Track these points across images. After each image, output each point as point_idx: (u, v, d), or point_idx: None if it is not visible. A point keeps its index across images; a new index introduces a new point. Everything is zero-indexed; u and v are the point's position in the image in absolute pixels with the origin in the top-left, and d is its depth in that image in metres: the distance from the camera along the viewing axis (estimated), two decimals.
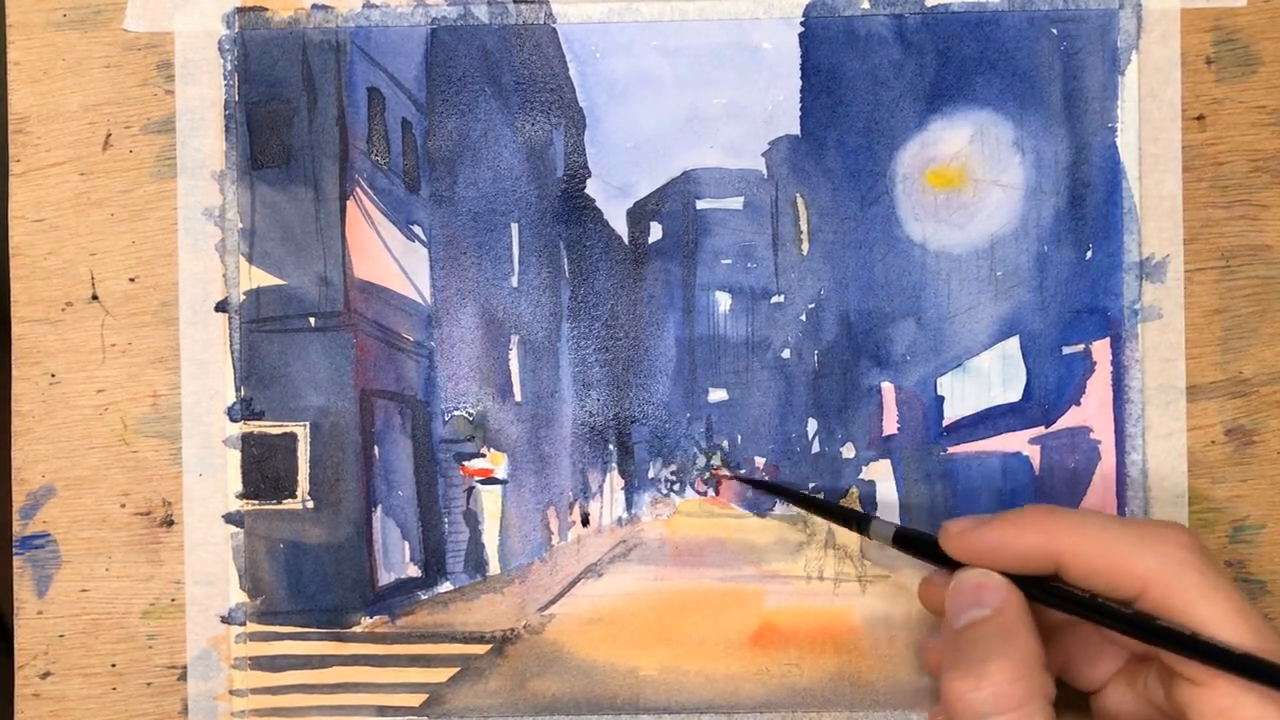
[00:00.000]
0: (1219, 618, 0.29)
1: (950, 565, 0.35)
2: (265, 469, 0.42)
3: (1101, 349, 0.42)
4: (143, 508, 0.43)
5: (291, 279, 0.43)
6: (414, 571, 0.43)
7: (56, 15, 0.43)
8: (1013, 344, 0.42)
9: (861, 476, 0.43)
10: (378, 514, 0.43)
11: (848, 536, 0.42)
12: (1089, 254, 0.42)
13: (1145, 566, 0.30)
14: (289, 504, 0.43)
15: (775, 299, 0.43)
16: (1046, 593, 0.32)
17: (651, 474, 0.43)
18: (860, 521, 0.38)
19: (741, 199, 0.43)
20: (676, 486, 0.43)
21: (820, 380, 0.43)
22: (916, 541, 0.37)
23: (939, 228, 0.43)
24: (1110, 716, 0.35)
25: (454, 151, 0.43)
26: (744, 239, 0.43)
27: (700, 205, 0.43)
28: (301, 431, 0.42)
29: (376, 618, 0.43)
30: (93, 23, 0.43)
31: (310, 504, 0.43)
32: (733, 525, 0.43)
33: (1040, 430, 0.42)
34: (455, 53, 0.43)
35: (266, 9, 0.43)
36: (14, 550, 0.42)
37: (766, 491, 0.39)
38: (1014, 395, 0.42)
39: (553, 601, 0.43)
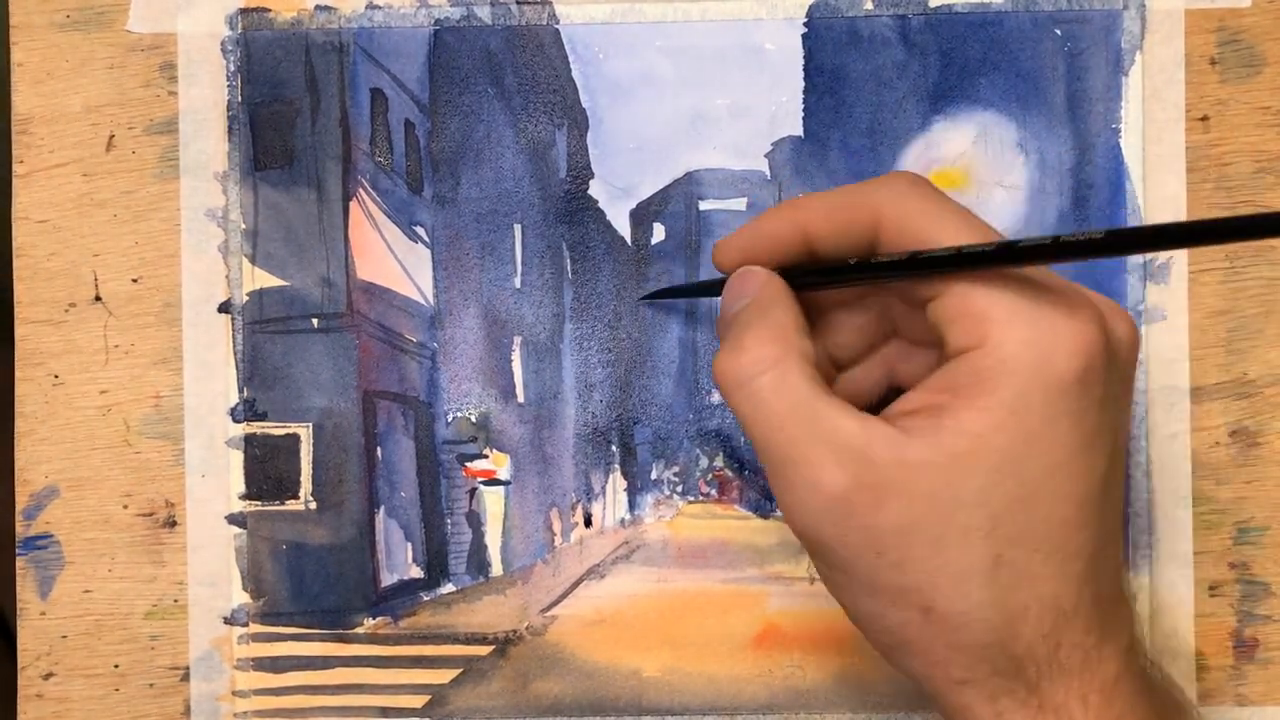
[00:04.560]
0: (947, 230, 0.30)
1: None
2: (268, 470, 0.42)
3: None
4: (145, 509, 0.43)
5: (294, 280, 0.43)
6: (416, 573, 0.43)
7: (59, 16, 0.43)
8: None
9: None
10: (380, 515, 0.43)
11: None
12: None
13: (872, 203, 0.31)
14: (291, 505, 0.43)
15: None
16: (799, 275, 0.33)
17: (654, 475, 0.43)
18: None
19: (745, 200, 0.43)
20: (679, 488, 0.43)
21: None
22: (689, 290, 0.40)
23: None
24: (860, 393, 0.35)
25: (457, 152, 0.43)
26: None
27: (703, 206, 0.43)
28: (304, 432, 0.42)
29: (379, 619, 0.42)
30: (96, 24, 0.43)
31: (313, 505, 0.43)
32: (736, 527, 0.43)
33: None
34: (458, 54, 0.43)
35: (269, 10, 0.43)
36: (17, 551, 0.42)
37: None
38: None
39: (555, 603, 0.43)
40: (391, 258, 0.43)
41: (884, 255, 0.31)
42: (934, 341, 0.31)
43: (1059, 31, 0.42)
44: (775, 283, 0.33)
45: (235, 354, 0.42)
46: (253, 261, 0.43)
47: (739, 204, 0.43)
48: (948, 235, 0.30)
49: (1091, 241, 0.27)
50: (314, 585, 0.42)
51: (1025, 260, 0.28)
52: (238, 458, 0.42)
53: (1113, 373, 0.29)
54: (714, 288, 0.36)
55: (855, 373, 0.35)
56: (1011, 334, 0.28)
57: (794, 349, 0.31)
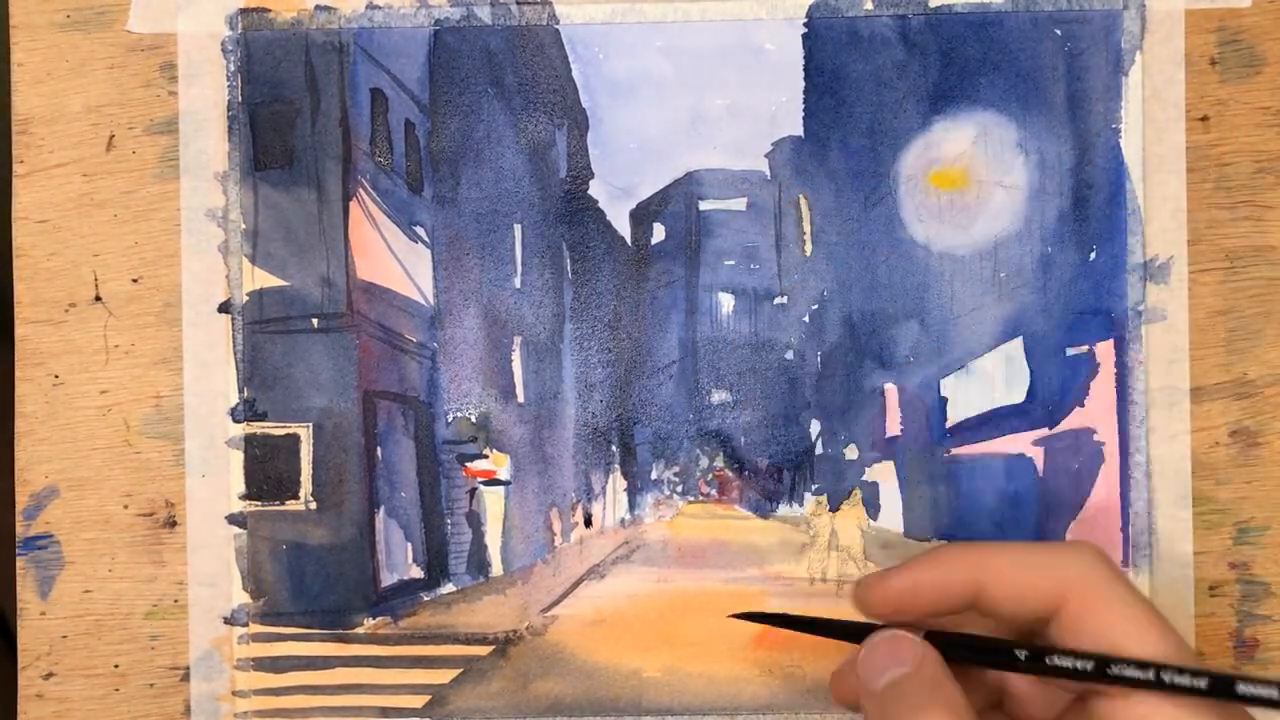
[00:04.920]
0: (1131, 626, 0.29)
1: (859, 640, 0.34)
2: (268, 470, 0.42)
3: (1105, 350, 0.42)
4: (145, 509, 0.43)
5: (294, 280, 0.43)
6: (416, 573, 0.43)
7: (60, 16, 0.43)
8: (1016, 345, 0.42)
9: (865, 478, 0.42)
10: (380, 515, 0.43)
11: (850, 538, 0.42)
12: (1093, 255, 0.42)
13: (1060, 578, 0.30)
14: (291, 505, 0.43)
15: (778, 300, 0.43)
16: (955, 646, 0.31)
17: (654, 475, 0.43)
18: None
19: (744, 200, 0.43)
20: (679, 488, 0.43)
21: (823, 381, 0.43)
22: (826, 625, 0.36)
23: (942, 229, 0.43)
24: None
25: (457, 152, 0.43)
26: (747, 240, 0.43)
27: (703, 206, 0.43)
28: (304, 432, 0.42)
29: (379, 619, 0.42)
30: (96, 24, 0.43)
31: (313, 505, 0.43)
32: (736, 527, 0.43)
33: (1044, 432, 0.42)
34: (458, 54, 0.43)
35: (269, 10, 0.43)
36: (17, 551, 0.42)
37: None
38: (1017, 397, 0.42)
39: (555, 603, 0.43)
40: (391, 258, 0.43)
41: (1062, 654, 0.30)
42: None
43: (1059, 31, 0.42)
44: (935, 655, 0.31)
45: (235, 354, 0.42)
46: (253, 261, 0.43)
47: (739, 204, 0.43)
48: (1136, 641, 0.29)
49: None
50: (314, 585, 0.42)
51: (1240, 701, 0.28)
52: (238, 458, 0.42)
53: None
54: (839, 630, 0.33)
55: None
56: None
57: None
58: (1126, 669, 0.29)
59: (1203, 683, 0.28)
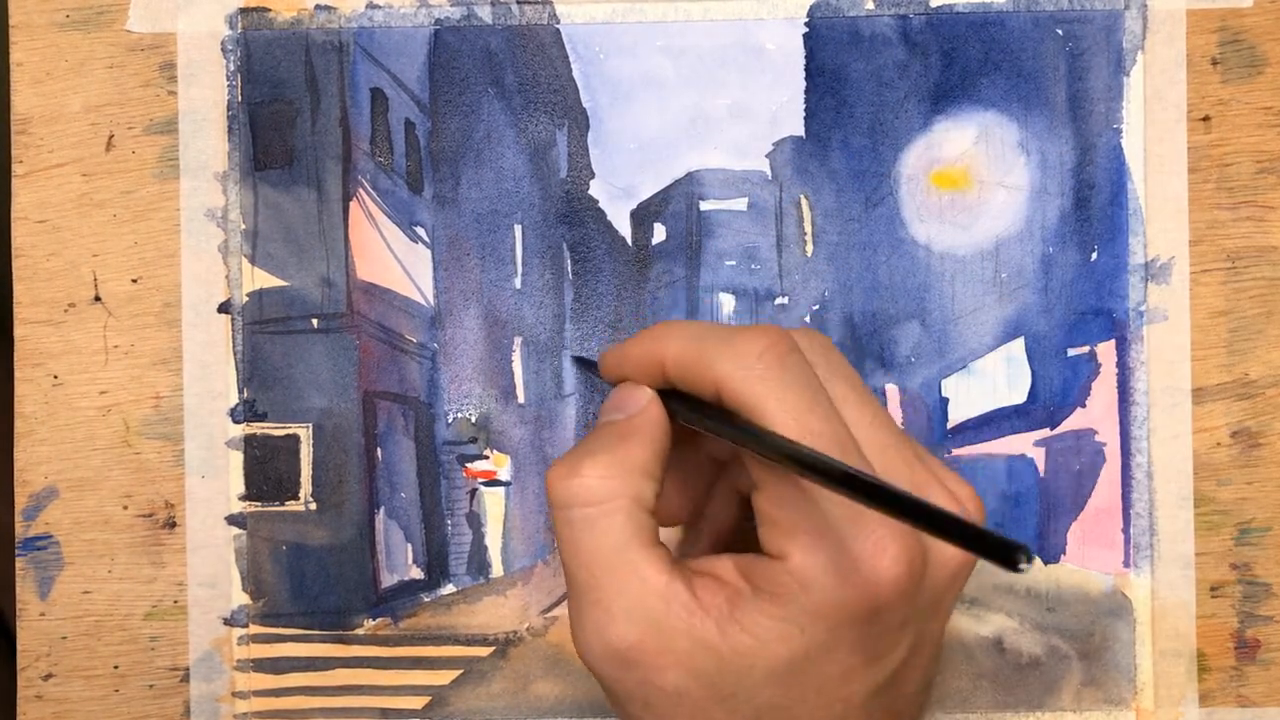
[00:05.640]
0: (774, 418, 0.29)
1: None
2: (268, 471, 0.42)
3: (1106, 351, 0.42)
4: (145, 509, 0.42)
5: (294, 280, 0.43)
6: (416, 574, 0.43)
7: (59, 16, 0.43)
8: (1017, 346, 0.42)
9: None
10: (380, 516, 0.43)
11: None
12: (1094, 256, 0.42)
13: (718, 369, 0.30)
14: (291, 506, 0.42)
15: (779, 300, 0.43)
16: (682, 405, 0.32)
17: None
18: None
19: (745, 200, 0.43)
20: None
21: None
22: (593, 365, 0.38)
23: (943, 229, 0.42)
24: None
25: (457, 152, 0.43)
26: (748, 240, 0.43)
27: (704, 206, 0.43)
28: (304, 433, 0.42)
29: (379, 620, 0.42)
30: (95, 23, 0.43)
31: (313, 506, 0.42)
32: None
33: (1045, 433, 0.42)
34: (459, 53, 0.43)
35: (269, 9, 0.42)
36: (16, 552, 0.42)
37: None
38: (1019, 397, 0.42)
39: (556, 604, 0.43)
40: (391, 258, 0.43)
41: (729, 418, 0.30)
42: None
43: (1060, 31, 0.42)
44: (650, 412, 0.32)
45: (235, 354, 0.42)
46: (253, 262, 0.42)
47: (740, 204, 0.43)
48: (779, 426, 0.29)
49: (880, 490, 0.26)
50: (314, 586, 0.42)
51: (840, 487, 0.26)
52: (237, 458, 0.42)
53: (922, 593, 0.30)
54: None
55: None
56: (809, 562, 0.29)
57: (630, 490, 0.30)
58: (772, 443, 0.28)
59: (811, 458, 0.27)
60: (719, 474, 0.35)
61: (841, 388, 0.31)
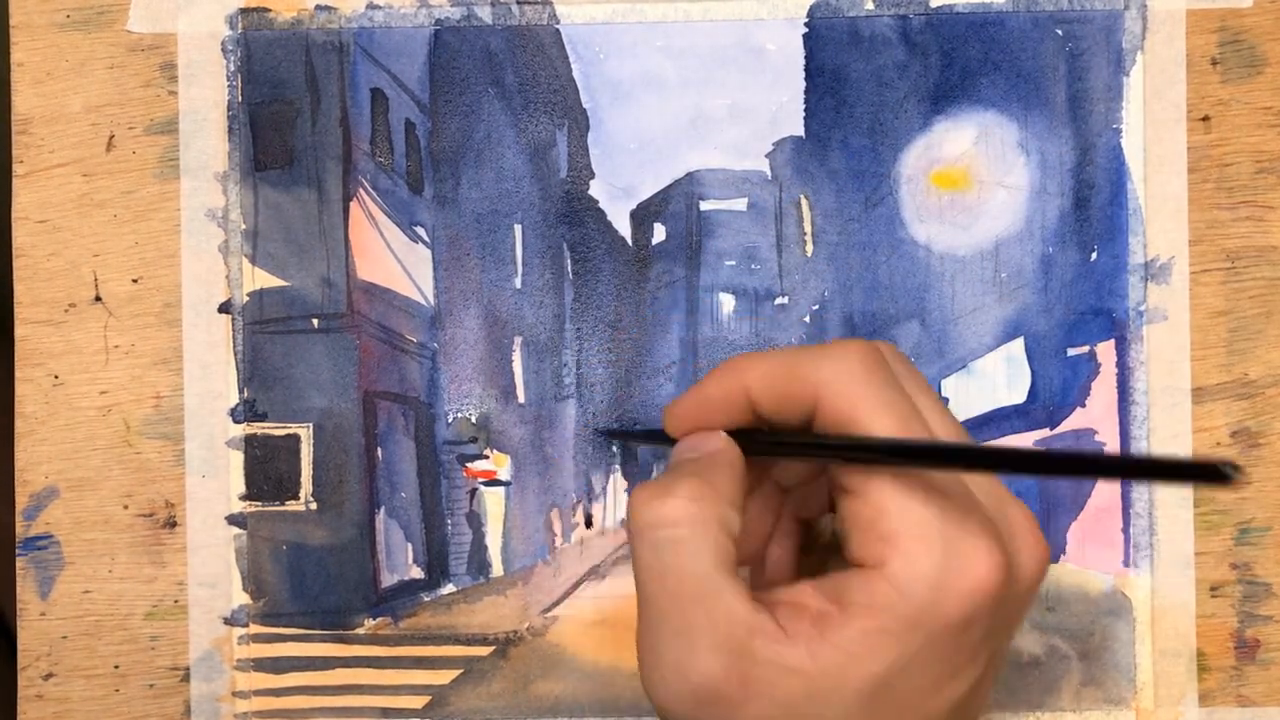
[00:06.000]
0: (874, 423, 0.29)
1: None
2: (268, 470, 0.42)
3: (1106, 351, 0.42)
4: (145, 509, 0.42)
5: (294, 280, 0.43)
6: (417, 573, 0.43)
7: (60, 16, 0.43)
8: (1017, 346, 0.42)
9: None
10: (380, 515, 0.43)
11: None
12: (1094, 256, 0.42)
13: (811, 381, 0.30)
14: (292, 505, 0.42)
15: (779, 300, 0.43)
16: (753, 442, 0.32)
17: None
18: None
19: (745, 200, 0.43)
20: None
21: None
22: (649, 437, 0.37)
23: (943, 229, 0.42)
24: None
25: (457, 152, 0.43)
26: (748, 240, 0.43)
27: (704, 206, 0.43)
28: (304, 433, 0.42)
29: (379, 619, 0.42)
30: (96, 24, 0.43)
31: (313, 505, 0.42)
32: None
33: (1045, 432, 0.42)
34: (459, 54, 0.43)
35: (269, 10, 0.43)
36: (17, 552, 0.42)
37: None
38: (1018, 397, 0.42)
39: (556, 603, 0.43)
40: (392, 258, 0.43)
41: (825, 436, 0.30)
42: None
43: (1060, 31, 0.42)
44: (731, 451, 0.32)
45: (235, 354, 0.42)
46: (253, 262, 0.43)
47: (740, 204, 0.43)
48: (881, 426, 0.29)
49: (1032, 456, 0.27)
50: (314, 586, 0.42)
51: (962, 465, 0.28)
52: (238, 458, 0.42)
53: (1006, 605, 0.29)
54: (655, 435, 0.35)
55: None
56: (910, 568, 0.28)
57: (719, 516, 0.30)
58: (865, 442, 0.29)
59: (925, 447, 0.28)
60: (783, 506, 0.35)
61: (924, 398, 0.31)
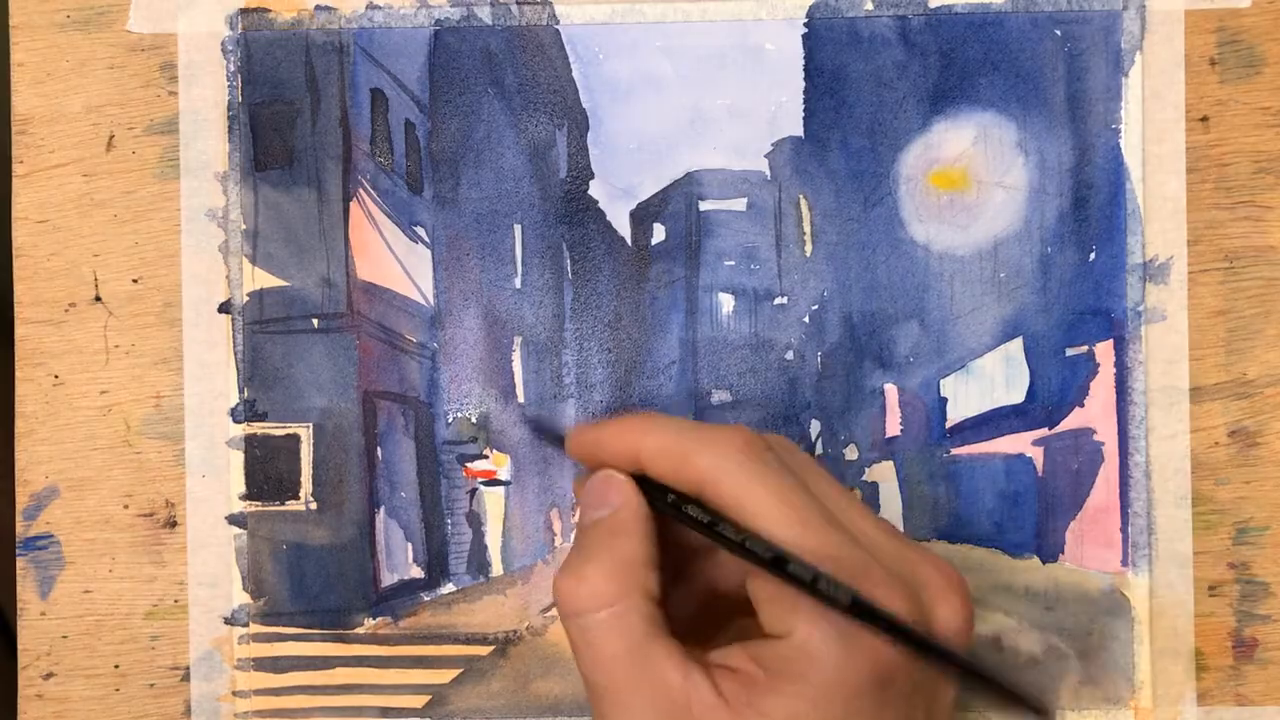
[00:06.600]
0: (759, 511, 0.30)
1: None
2: (268, 470, 0.42)
3: (1105, 351, 0.42)
4: (146, 509, 0.43)
5: (294, 280, 0.43)
6: (417, 573, 0.43)
7: (60, 16, 0.43)
8: (1016, 346, 0.42)
9: (864, 478, 0.43)
10: (380, 515, 0.43)
11: None
12: (1092, 256, 0.42)
13: (701, 464, 0.31)
14: (292, 505, 0.43)
15: (778, 300, 0.43)
16: (662, 494, 0.33)
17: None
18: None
19: (745, 200, 0.43)
20: None
21: (823, 382, 0.43)
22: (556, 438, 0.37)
23: (942, 229, 0.43)
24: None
25: (457, 153, 0.43)
26: (747, 240, 0.43)
27: (703, 206, 0.43)
28: (304, 433, 0.43)
29: (379, 619, 0.43)
30: (96, 24, 0.43)
31: (313, 505, 0.43)
32: None
33: (1043, 432, 0.42)
34: (458, 54, 0.43)
35: (269, 10, 0.43)
36: (17, 551, 0.42)
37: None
38: (1017, 397, 0.42)
39: (556, 603, 0.43)
40: (391, 258, 0.43)
41: (719, 521, 0.31)
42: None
43: (1059, 32, 0.42)
44: (633, 504, 0.32)
45: (235, 354, 0.42)
46: (253, 262, 0.43)
47: (739, 204, 0.43)
48: (762, 511, 0.30)
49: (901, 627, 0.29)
50: (314, 585, 0.42)
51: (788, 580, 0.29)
52: (238, 458, 0.42)
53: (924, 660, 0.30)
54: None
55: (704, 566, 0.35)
56: (816, 632, 0.29)
57: (637, 587, 0.31)
58: (756, 549, 0.30)
59: (768, 555, 0.29)
60: (688, 563, 0.35)
61: (818, 481, 0.32)
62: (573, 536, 0.33)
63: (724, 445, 0.31)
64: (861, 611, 0.28)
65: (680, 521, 0.32)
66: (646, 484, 0.33)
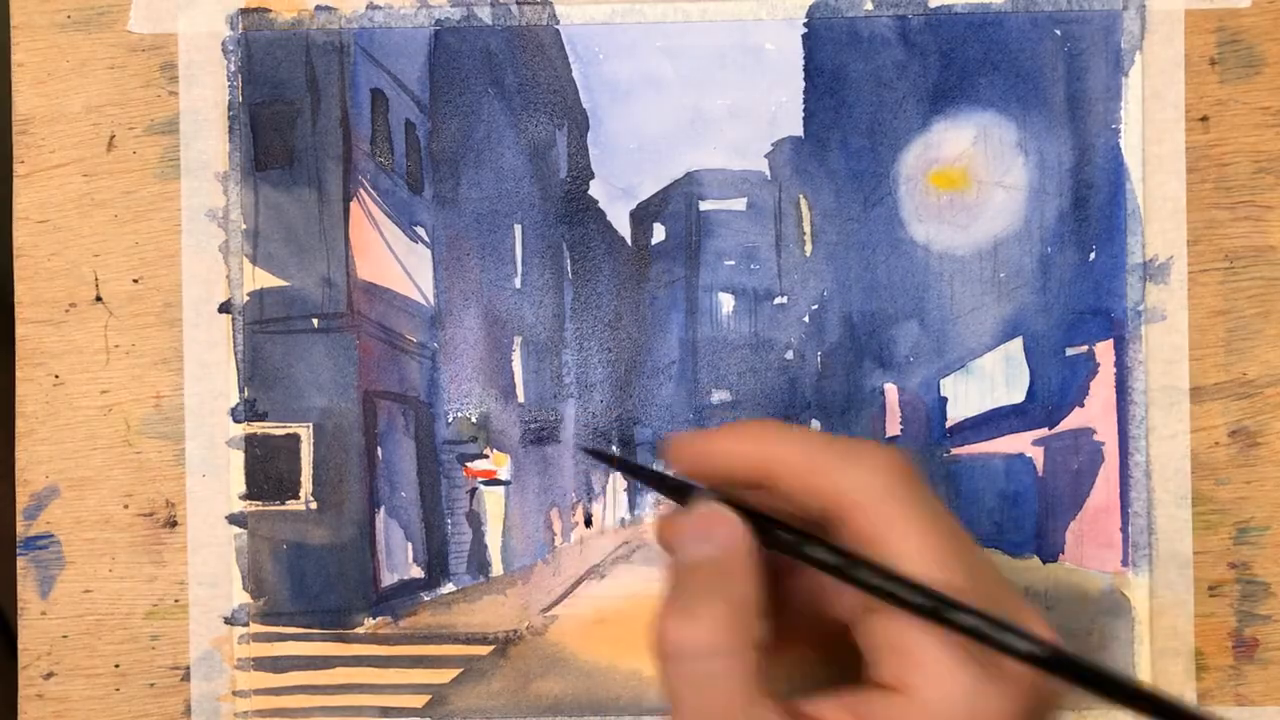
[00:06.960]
0: (909, 547, 0.27)
1: (681, 498, 0.32)
2: (268, 470, 0.42)
3: (1105, 350, 0.42)
4: (146, 509, 0.43)
5: (295, 280, 0.43)
6: (417, 572, 0.43)
7: (60, 17, 0.43)
8: (1016, 345, 0.42)
9: None
10: (381, 515, 0.43)
11: None
12: (1092, 255, 0.42)
13: (840, 487, 0.28)
14: (292, 505, 0.43)
15: (778, 300, 0.43)
16: (773, 528, 0.30)
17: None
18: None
19: (745, 200, 0.43)
20: None
21: (823, 381, 0.43)
22: (646, 474, 0.34)
23: (942, 229, 0.43)
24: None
25: (457, 152, 0.43)
26: (747, 240, 0.43)
27: (703, 206, 0.43)
28: (305, 432, 0.43)
29: (379, 619, 0.43)
30: (96, 24, 0.43)
31: (313, 505, 0.43)
32: None
33: (1044, 432, 0.42)
34: (459, 54, 0.43)
35: (270, 10, 0.43)
36: (18, 551, 0.43)
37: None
38: (1017, 397, 0.42)
39: (555, 603, 0.43)
40: (392, 258, 0.43)
41: (858, 561, 0.28)
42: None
43: (1059, 32, 0.42)
44: (746, 544, 0.29)
45: (235, 354, 0.42)
46: (253, 262, 0.43)
47: (739, 204, 0.43)
48: (906, 547, 0.27)
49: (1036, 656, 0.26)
50: (314, 585, 0.42)
51: (980, 638, 0.26)
52: (238, 458, 0.42)
53: None
54: (669, 485, 0.32)
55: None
56: (936, 692, 0.27)
57: (750, 639, 0.28)
58: (908, 591, 0.27)
59: (969, 614, 0.26)
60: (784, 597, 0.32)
61: (950, 515, 0.29)
62: (666, 575, 0.30)
63: (871, 465, 0.28)
64: (1064, 666, 0.26)
65: (803, 562, 0.29)
66: (751, 517, 0.30)
